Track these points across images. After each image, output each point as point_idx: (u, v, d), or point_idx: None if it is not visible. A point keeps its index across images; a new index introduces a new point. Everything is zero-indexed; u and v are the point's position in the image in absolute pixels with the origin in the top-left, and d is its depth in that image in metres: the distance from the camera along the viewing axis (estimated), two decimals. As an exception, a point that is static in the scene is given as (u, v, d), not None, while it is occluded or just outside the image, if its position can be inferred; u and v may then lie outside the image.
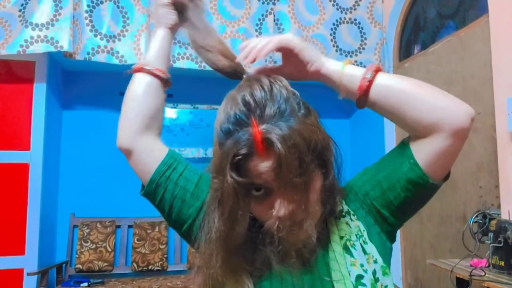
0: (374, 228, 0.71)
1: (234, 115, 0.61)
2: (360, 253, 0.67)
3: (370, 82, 0.66)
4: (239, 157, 0.59)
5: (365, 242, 0.69)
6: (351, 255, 0.67)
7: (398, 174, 0.68)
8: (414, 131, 0.67)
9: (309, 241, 0.63)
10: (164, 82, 0.78)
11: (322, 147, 0.63)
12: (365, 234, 0.70)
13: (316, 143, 0.61)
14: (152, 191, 0.73)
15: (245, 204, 0.62)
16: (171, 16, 0.79)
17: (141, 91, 0.77)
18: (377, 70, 0.67)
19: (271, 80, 0.65)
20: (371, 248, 0.69)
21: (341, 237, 0.69)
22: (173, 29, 0.81)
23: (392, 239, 0.74)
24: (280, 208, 0.61)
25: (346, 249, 0.68)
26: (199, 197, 0.72)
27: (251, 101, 0.61)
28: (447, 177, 0.72)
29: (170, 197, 0.72)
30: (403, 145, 0.69)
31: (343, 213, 0.71)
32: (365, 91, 0.66)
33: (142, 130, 0.78)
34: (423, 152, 0.66)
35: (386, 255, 0.71)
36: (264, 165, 0.59)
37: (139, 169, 0.76)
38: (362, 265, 0.66)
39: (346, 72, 0.68)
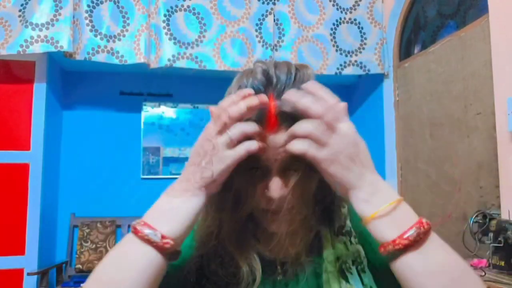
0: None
1: (251, 84, 0.58)
2: (356, 280, 0.60)
3: (393, 254, 0.50)
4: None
5: (363, 271, 0.62)
6: (347, 281, 0.60)
7: None
8: None
9: (295, 238, 0.60)
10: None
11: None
12: (365, 262, 0.63)
13: None
14: None
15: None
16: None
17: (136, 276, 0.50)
18: (409, 244, 0.48)
19: (297, 66, 0.60)
20: (369, 279, 0.61)
21: (337, 258, 0.62)
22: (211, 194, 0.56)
23: None
24: (276, 188, 0.57)
25: (342, 272, 0.61)
26: None
27: (273, 76, 0.58)
28: None
29: None
30: None
31: (343, 231, 0.65)
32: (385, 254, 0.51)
33: None
34: None
35: None
36: (272, 140, 0.55)
37: None
38: None
39: (375, 223, 0.51)
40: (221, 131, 0.52)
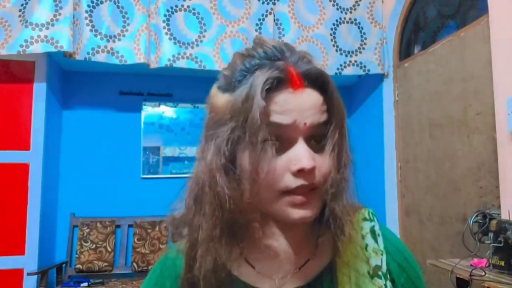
0: None
1: (263, 51, 0.53)
2: None
3: None
4: (271, 84, 0.49)
5: None
6: None
7: None
8: None
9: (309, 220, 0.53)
10: None
11: (345, 130, 0.54)
12: None
13: (345, 120, 0.54)
14: None
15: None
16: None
17: None
18: None
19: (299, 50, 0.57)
20: None
21: None
22: None
23: None
24: (306, 155, 0.50)
25: None
26: None
27: (285, 49, 0.53)
28: None
29: None
30: None
31: (379, 274, 0.56)
32: None
33: None
34: None
35: None
36: (297, 99, 0.50)
37: None
38: None
39: None
40: None
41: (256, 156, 0.50)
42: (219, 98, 0.54)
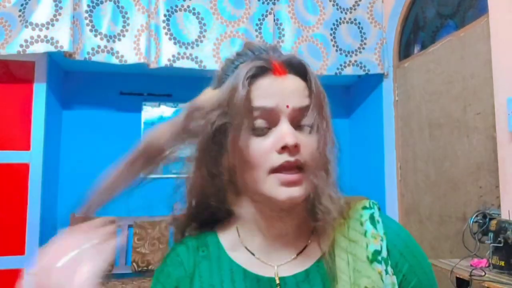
0: None
1: (251, 49, 0.59)
2: None
3: None
4: (254, 72, 0.54)
5: None
6: None
7: None
8: None
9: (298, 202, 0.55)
10: None
11: (326, 112, 0.57)
12: None
13: (325, 103, 0.57)
14: None
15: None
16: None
17: None
18: None
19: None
20: None
21: None
22: None
23: None
24: (290, 132, 0.53)
25: None
26: None
27: (270, 49, 0.59)
28: None
29: None
30: None
31: (379, 259, 0.56)
32: None
33: None
34: None
35: None
36: (280, 83, 0.54)
37: None
38: None
39: None
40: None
41: (242, 139, 0.53)
42: (208, 92, 0.59)
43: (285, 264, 0.58)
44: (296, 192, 0.54)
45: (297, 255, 0.59)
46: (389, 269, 0.55)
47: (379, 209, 0.61)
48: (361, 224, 0.59)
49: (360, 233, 0.58)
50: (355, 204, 0.61)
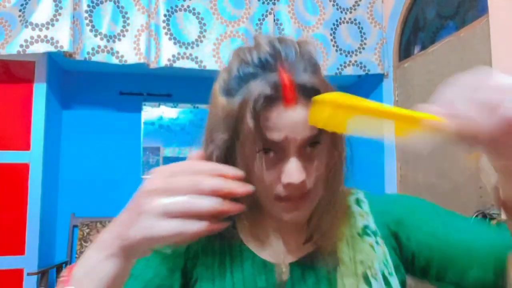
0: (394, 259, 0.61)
1: (258, 57, 0.52)
2: (381, 286, 0.56)
3: None
4: (262, 101, 0.49)
5: (390, 274, 0.58)
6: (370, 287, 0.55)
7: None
8: None
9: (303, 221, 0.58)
10: None
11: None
12: (390, 263, 0.59)
13: None
14: None
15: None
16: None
17: None
18: None
19: (298, 42, 0.58)
20: (394, 281, 0.58)
21: (361, 262, 0.57)
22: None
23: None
24: (296, 172, 0.51)
25: (365, 278, 0.56)
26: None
27: (281, 48, 0.53)
28: None
29: None
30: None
31: (368, 232, 0.60)
32: None
33: None
34: None
35: None
36: (289, 116, 0.50)
37: None
38: None
39: None
40: (165, 192, 0.40)
41: (249, 166, 0.53)
42: (218, 100, 0.56)
43: (292, 251, 0.61)
44: (299, 216, 0.57)
45: (303, 244, 0.62)
46: (379, 240, 0.60)
47: (363, 192, 0.68)
48: (349, 207, 0.64)
49: (350, 216, 0.63)
50: (345, 195, 0.66)
